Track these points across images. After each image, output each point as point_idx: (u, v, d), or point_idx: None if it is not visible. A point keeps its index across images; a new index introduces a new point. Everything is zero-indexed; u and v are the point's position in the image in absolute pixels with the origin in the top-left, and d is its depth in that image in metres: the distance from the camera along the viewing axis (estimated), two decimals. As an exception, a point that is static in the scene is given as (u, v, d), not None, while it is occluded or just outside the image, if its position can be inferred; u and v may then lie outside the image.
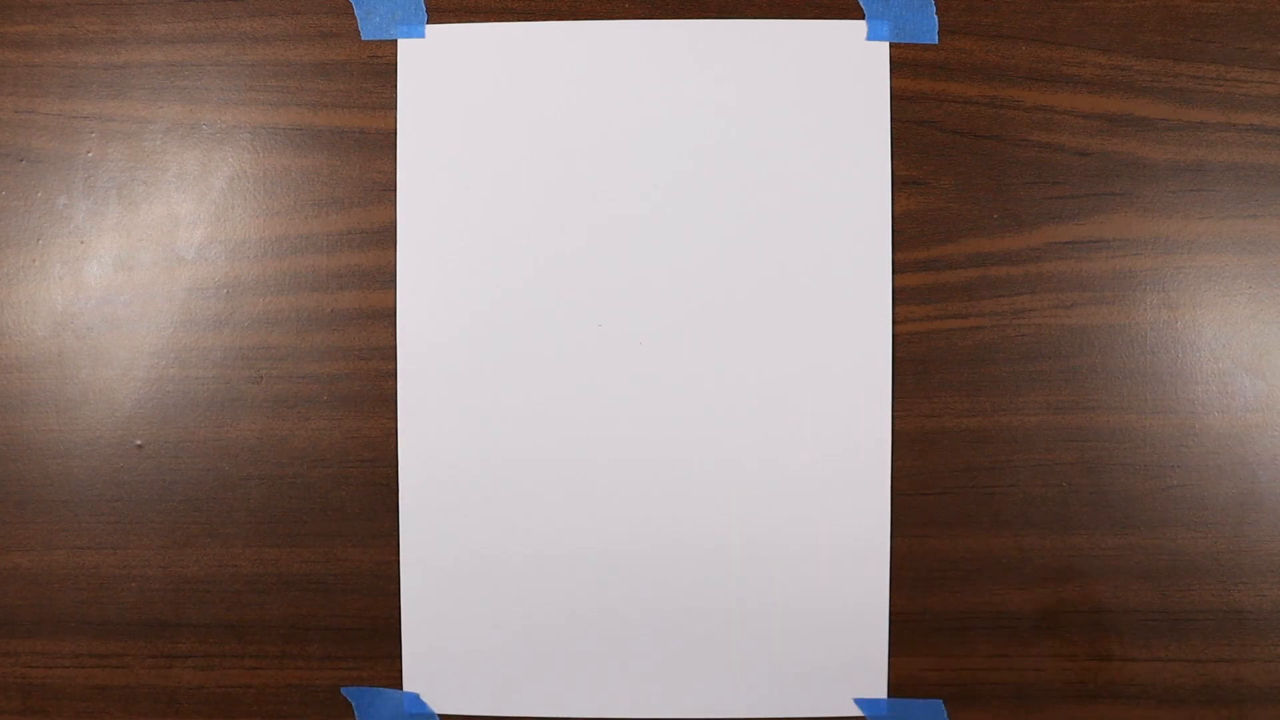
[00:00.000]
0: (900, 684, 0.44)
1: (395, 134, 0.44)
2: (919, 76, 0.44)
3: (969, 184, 0.44)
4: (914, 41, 0.44)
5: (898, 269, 0.44)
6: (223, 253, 0.45)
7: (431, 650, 0.44)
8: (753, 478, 0.44)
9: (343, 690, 0.45)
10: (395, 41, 0.44)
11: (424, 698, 0.45)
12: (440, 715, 0.45)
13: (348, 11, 0.44)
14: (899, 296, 0.44)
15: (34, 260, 0.45)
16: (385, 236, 0.44)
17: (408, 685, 0.45)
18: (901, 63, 0.44)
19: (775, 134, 0.44)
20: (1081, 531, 0.44)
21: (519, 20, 0.44)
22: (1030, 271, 0.44)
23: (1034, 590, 0.44)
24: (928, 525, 0.44)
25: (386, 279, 0.44)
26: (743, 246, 0.44)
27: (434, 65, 0.44)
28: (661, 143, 0.44)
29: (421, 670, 0.44)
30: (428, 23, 0.44)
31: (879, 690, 0.44)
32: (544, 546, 0.44)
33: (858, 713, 0.44)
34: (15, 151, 0.45)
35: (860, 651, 0.44)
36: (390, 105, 0.44)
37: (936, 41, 0.44)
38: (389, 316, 0.44)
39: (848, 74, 0.44)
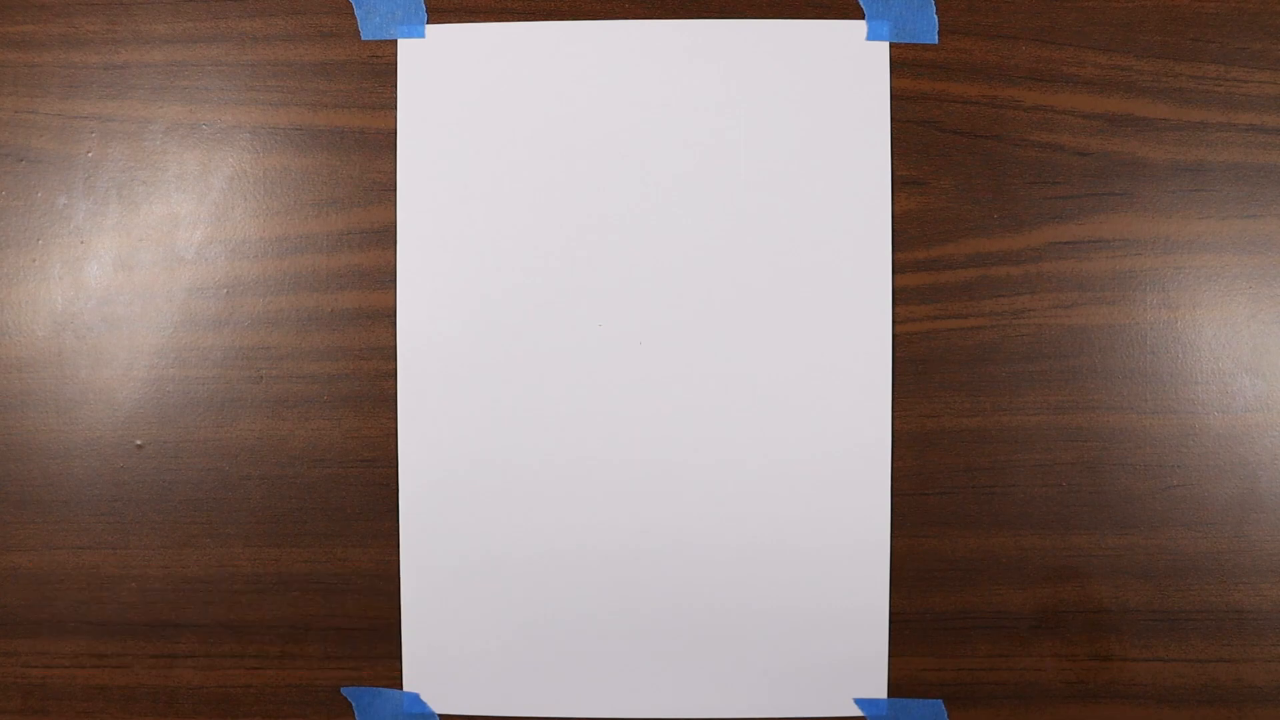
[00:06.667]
0: (900, 684, 0.44)
1: (395, 134, 0.44)
2: (919, 76, 0.44)
3: (969, 184, 0.44)
4: (914, 41, 0.44)
5: (898, 269, 0.44)
6: (223, 253, 0.45)
7: (431, 650, 0.44)
8: (753, 477, 0.44)
9: (343, 690, 0.45)
10: (395, 41, 0.44)
11: (424, 698, 0.45)
12: (440, 715, 0.45)
13: (348, 11, 0.44)
14: (899, 296, 0.44)
15: (34, 260, 0.45)
16: (385, 236, 0.44)
17: (408, 685, 0.45)
18: (901, 63, 0.44)
19: (775, 134, 0.44)
20: (1081, 531, 0.44)
21: (519, 20, 0.44)
22: (1030, 271, 0.44)
23: (1034, 590, 0.44)
24: (928, 525, 0.44)
25: (386, 279, 0.44)
26: (743, 246, 0.44)
27: (434, 65, 0.44)
28: (661, 143, 0.44)
29: (421, 670, 0.44)
30: (428, 23, 0.44)
31: (879, 690, 0.44)
32: (544, 546, 0.44)
33: (858, 713, 0.44)
34: (15, 151, 0.45)
35: (860, 651, 0.44)
36: (390, 105, 0.44)
37: (936, 41, 0.44)
38: (389, 316, 0.44)
39: (848, 74, 0.44)
